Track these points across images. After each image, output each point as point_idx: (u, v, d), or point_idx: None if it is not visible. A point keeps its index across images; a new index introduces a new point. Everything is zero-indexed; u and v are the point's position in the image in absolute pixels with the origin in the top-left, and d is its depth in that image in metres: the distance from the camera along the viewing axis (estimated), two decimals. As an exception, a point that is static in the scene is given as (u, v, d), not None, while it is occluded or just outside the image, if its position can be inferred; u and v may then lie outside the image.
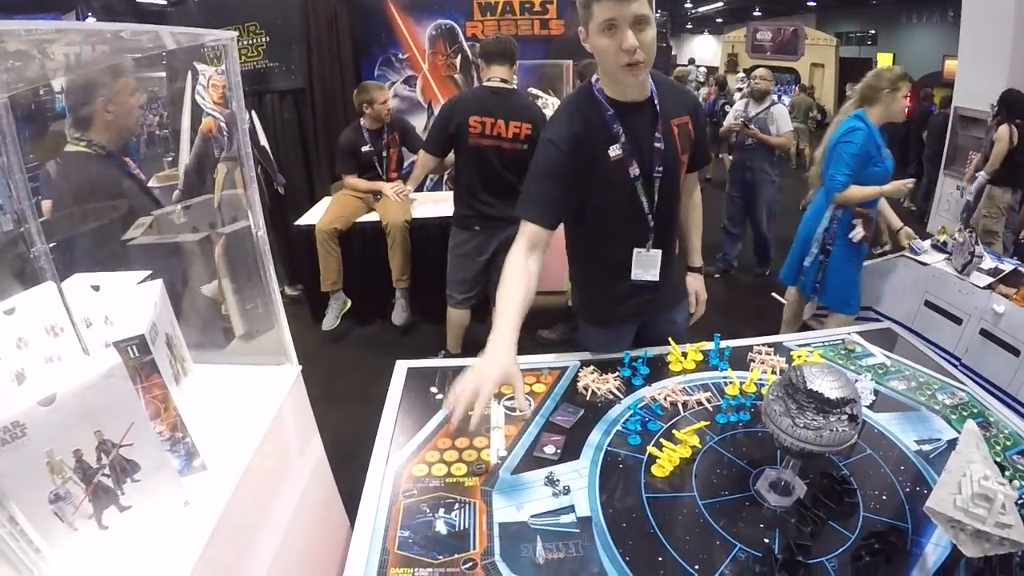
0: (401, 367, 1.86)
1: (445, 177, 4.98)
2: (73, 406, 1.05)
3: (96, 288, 1.49)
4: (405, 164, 4.42)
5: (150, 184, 2.71)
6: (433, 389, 1.75)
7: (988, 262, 3.38)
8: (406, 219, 3.91)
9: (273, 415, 1.59)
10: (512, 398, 1.46)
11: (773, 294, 4.57)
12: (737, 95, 5.25)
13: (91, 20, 16.60)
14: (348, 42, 5.82)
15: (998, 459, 1.59)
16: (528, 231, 1.62)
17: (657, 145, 1.67)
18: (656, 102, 1.66)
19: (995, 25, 6.14)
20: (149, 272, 1.52)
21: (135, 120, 2.30)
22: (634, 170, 1.66)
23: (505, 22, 5.70)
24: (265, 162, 4.42)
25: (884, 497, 1.39)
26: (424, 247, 3.96)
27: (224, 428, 1.47)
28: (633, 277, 1.80)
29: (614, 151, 1.63)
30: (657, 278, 1.81)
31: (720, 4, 24.76)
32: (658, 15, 10.34)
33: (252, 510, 1.43)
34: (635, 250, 1.78)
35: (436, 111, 4.37)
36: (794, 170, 9.39)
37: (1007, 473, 1.53)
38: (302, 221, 4.12)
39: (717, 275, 5.40)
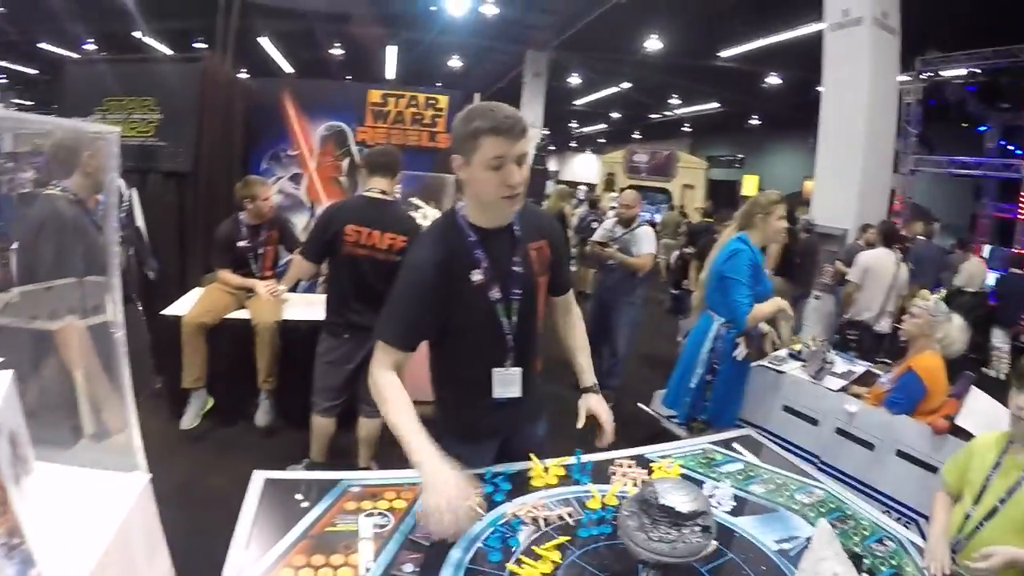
0: (258, 478, 1.73)
1: (320, 280, 4.89)
2: None
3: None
4: (281, 262, 4.31)
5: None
6: (299, 496, 1.66)
7: (840, 366, 3.67)
8: (276, 319, 3.79)
9: (118, 526, 1.45)
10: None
11: (640, 404, 4.64)
12: (610, 213, 5.41)
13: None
14: (240, 131, 5.79)
15: (857, 549, 1.66)
16: (389, 353, 1.68)
17: (516, 269, 1.73)
18: (516, 228, 1.75)
19: (847, 150, 6.97)
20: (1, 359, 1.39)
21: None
22: (494, 293, 1.70)
23: (395, 131, 5.87)
24: (139, 244, 4.19)
25: None
26: (293, 349, 3.81)
27: (65, 536, 1.33)
28: (494, 395, 1.80)
29: (476, 276, 1.68)
30: (519, 394, 1.82)
31: (603, 126, 26.86)
32: (542, 135, 10.93)
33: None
34: (495, 370, 1.79)
35: (318, 213, 4.33)
36: (662, 283, 9.92)
37: (867, 561, 1.61)
38: (169, 311, 3.90)
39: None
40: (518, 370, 1.81)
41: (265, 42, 14.02)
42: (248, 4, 9.86)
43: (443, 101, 5.91)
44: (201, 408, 3.84)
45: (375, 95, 5.89)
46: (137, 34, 12.98)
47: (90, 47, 14.55)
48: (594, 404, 1.90)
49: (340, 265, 3.09)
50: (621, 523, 1.29)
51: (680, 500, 1.23)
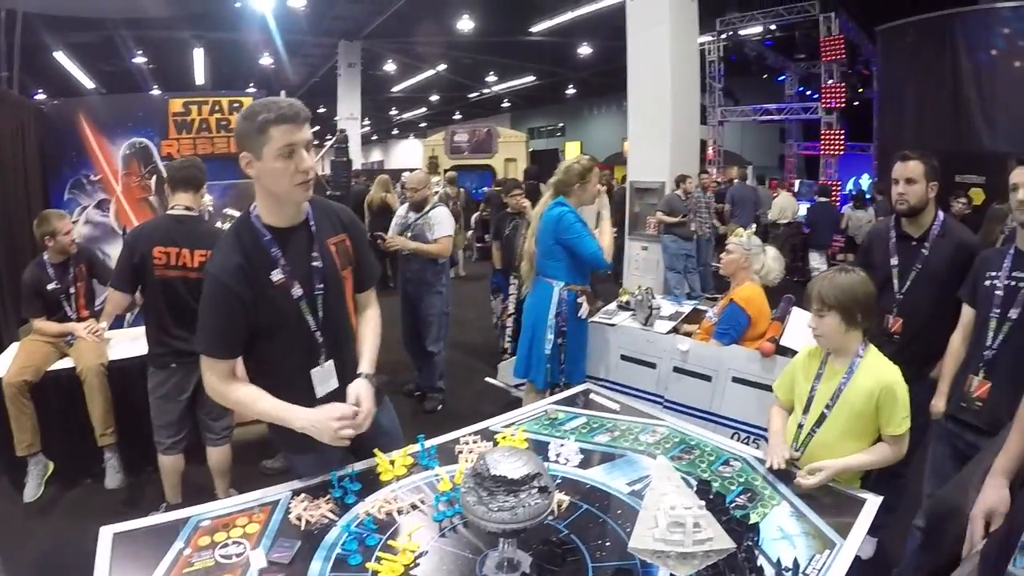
0: (106, 534, 1.61)
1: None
2: None
3: None
4: (98, 299, 3.93)
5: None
6: (151, 543, 1.57)
7: (668, 308, 3.92)
8: (102, 362, 3.47)
9: None
10: None
11: (488, 379, 4.68)
12: (434, 198, 5.14)
13: None
14: (36, 161, 5.20)
15: (705, 475, 1.78)
16: (217, 364, 1.69)
17: (315, 264, 1.74)
18: (311, 224, 1.76)
19: (655, 110, 7.40)
20: None
21: None
22: (296, 291, 1.71)
23: (201, 140, 5.49)
24: None
25: (608, 544, 1.49)
26: (127, 391, 3.50)
27: None
28: (317, 394, 1.79)
29: (276, 275, 1.68)
30: (338, 385, 1.81)
31: (424, 110, 26.88)
32: (341, 131, 10.80)
33: None
34: (312, 371, 1.78)
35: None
36: (475, 262, 9.94)
37: (716, 484, 1.72)
38: (-15, 375, 3.44)
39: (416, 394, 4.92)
40: (331, 363, 1.81)
41: (61, 57, 12.60)
42: (33, 18, 8.83)
43: (247, 103, 5.59)
44: (42, 475, 3.45)
45: (176, 104, 5.47)
46: None
47: None
48: (355, 388, 1.77)
49: (154, 291, 2.91)
50: (462, 500, 1.31)
51: (511, 467, 1.25)
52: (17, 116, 5.01)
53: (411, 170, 5.82)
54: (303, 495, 1.71)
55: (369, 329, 1.98)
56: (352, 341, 1.91)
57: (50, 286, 3.62)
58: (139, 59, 14.15)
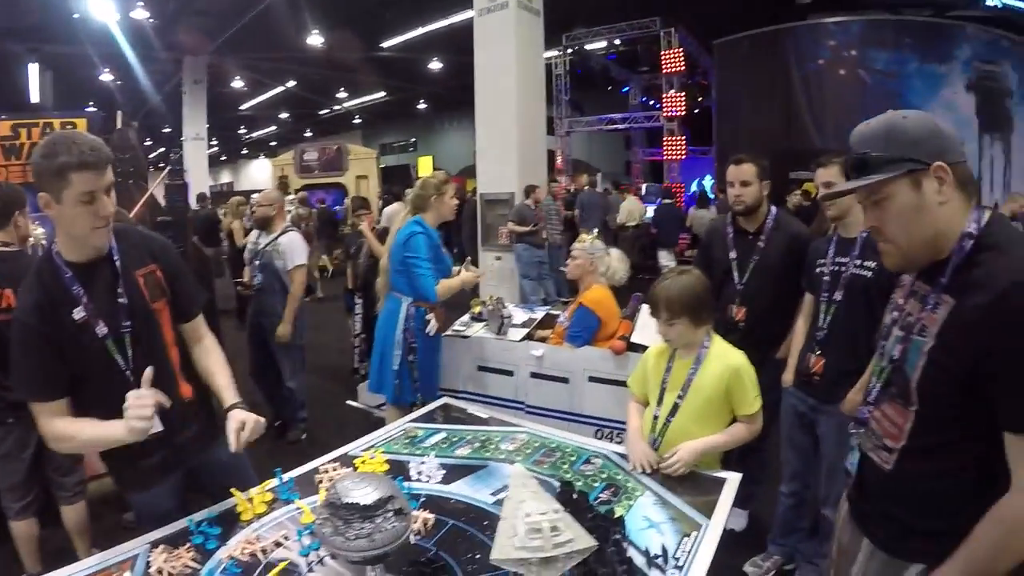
0: None
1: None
2: None
3: None
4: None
5: None
6: None
7: (520, 316, 4.03)
8: None
9: None
10: None
11: (349, 402, 4.60)
12: (288, 218, 4.85)
13: None
14: None
15: (568, 475, 1.84)
16: (44, 408, 1.63)
17: (121, 301, 1.69)
18: (115, 258, 1.70)
19: (503, 123, 7.61)
20: None
21: None
22: (100, 329, 1.65)
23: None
24: None
25: (479, 557, 1.51)
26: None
27: None
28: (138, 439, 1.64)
29: (78, 313, 1.63)
30: (161, 428, 1.69)
31: (274, 128, 25.97)
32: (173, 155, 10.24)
33: None
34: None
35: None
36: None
37: (579, 483, 1.79)
38: None
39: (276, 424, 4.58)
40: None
41: None
42: None
43: (81, 125, 5.15)
44: None
45: (4, 127, 4.95)
46: None
47: None
48: (240, 417, 1.72)
49: None
50: (318, 532, 1.29)
51: (362, 494, 1.25)
52: None
53: (261, 191, 5.55)
54: (162, 546, 1.61)
55: (213, 360, 1.90)
56: (174, 377, 1.82)
57: None
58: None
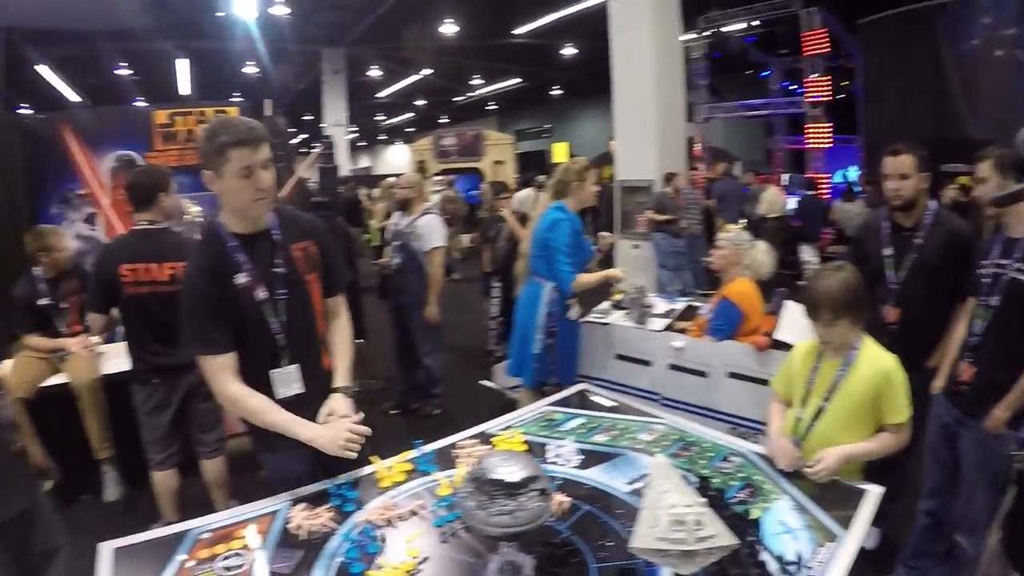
0: (106, 550, 1.61)
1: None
2: None
3: None
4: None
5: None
6: (151, 557, 1.56)
7: (661, 306, 3.92)
8: (95, 376, 3.47)
9: None
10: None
11: (482, 382, 4.63)
12: (433, 198, 5.01)
13: None
14: (22, 178, 5.17)
15: (705, 472, 1.77)
16: (216, 364, 1.76)
17: (278, 270, 1.83)
18: (275, 232, 1.85)
19: (641, 109, 7.43)
20: None
21: None
22: (260, 294, 1.80)
23: (188, 152, 5.48)
24: None
25: (611, 544, 1.48)
26: (124, 404, 3.44)
27: None
28: (278, 396, 1.84)
29: (240, 279, 1.78)
30: (301, 390, 1.87)
31: (410, 115, 26.78)
32: (326, 140, 10.72)
33: None
34: (272, 372, 1.85)
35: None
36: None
37: (716, 480, 1.72)
38: (-23, 394, 3.41)
39: (393, 412, 4.69)
40: (295, 367, 1.87)
41: (45, 71, 12.51)
42: (15, 31, 8.77)
43: (233, 113, 5.60)
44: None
45: (162, 116, 5.49)
46: None
47: None
48: (336, 403, 1.86)
49: (127, 309, 2.86)
50: (460, 505, 1.31)
51: (509, 471, 1.26)
52: (2, 131, 4.97)
53: (399, 175, 5.75)
54: (303, 504, 1.70)
55: (340, 340, 2.04)
56: (318, 345, 1.97)
57: (41, 301, 3.60)
58: (123, 71, 14.05)
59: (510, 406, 3.43)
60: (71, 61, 12.75)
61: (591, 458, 1.88)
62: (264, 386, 1.83)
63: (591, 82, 16.65)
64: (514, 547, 1.38)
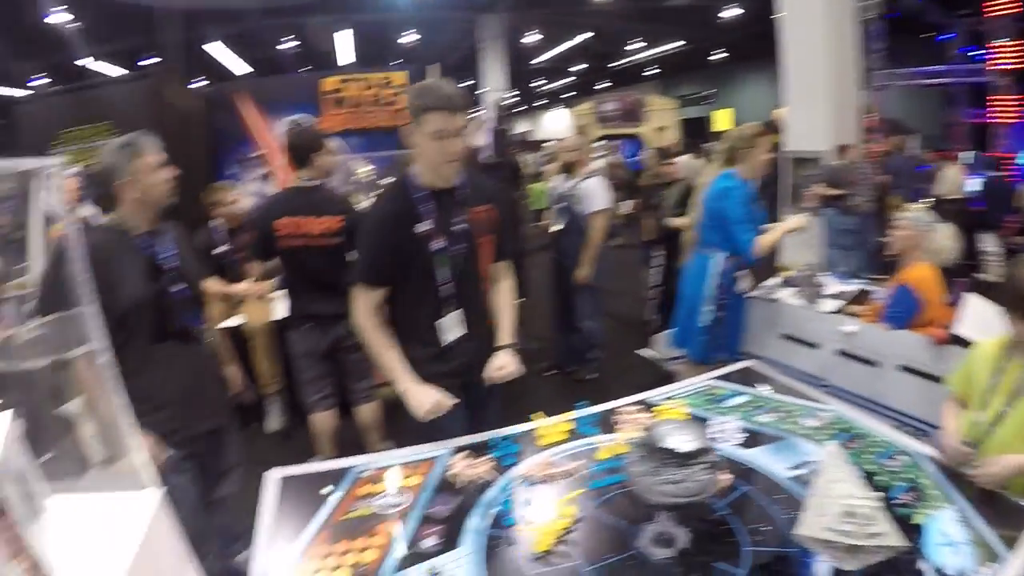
0: (274, 476, 1.77)
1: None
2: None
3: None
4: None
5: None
6: (314, 488, 1.70)
7: (833, 287, 3.65)
8: (268, 320, 3.77)
9: (139, 543, 1.45)
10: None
11: (640, 351, 4.51)
12: (598, 163, 4.89)
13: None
14: (202, 140, 5.69)
15: (870, 467, 1.65)
16: (365, 296, 1.95)
17: (458, 227, 1.94)
18: (461, 191, 1.96)
19: (811, 74, 6.90)
20: (-2, 402, 1.37)
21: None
22: (437, 244, 1.92)
23: (358, 115, 5.78)
24: None
25: (767, 528, 1.43)
26: (292, 346, 3.79)
27: (88, 562, 1.33)
28: (444, 342, 1.98)
29: (421, 227, 1.90)
30: (464, 331, 1.99)
31: (569, 80, 26.42)
32: (503, 98, 10.73)
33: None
34: (437, 323, 1.97)
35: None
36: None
37: (879, 478, 1.60)
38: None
39: (549, 372, 4.73)
40: (459, 311, 1.99)
41: (216, 47, 13.70)
42: (191, 13, 9.66)
43: (399, 79, 5.86)
44: None
45: (330, 83, 5.84)
46: (84, 61, 12.65)
47: (40, 82, 14.13)
48: (505, 358, 1.99)
49: (284, 259, 3.05)
50: (629, 469, 1.32)
51: (681, 440, 1.25)
52: (183, 101, 5.50)
53: (557, 140, 5.76)
54: (464, 453, 1.77)
55: (504, 300, 2.14)
56: (483, 303, 2.08)
57: (218, 250, 3.95)
58: (286, 44, 14.95)
59: (668, 377, 3.35)
60: (239, 37, 13.72)
61: (754, 438, 1.81)
62: (426, 332, 1.97)
63: (755, 45, 15.61)
64: (671, 518, 1.37)
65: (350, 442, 3.24)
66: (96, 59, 12.78)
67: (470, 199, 1.98)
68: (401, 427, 3.46)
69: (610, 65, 22.77)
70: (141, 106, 5.17)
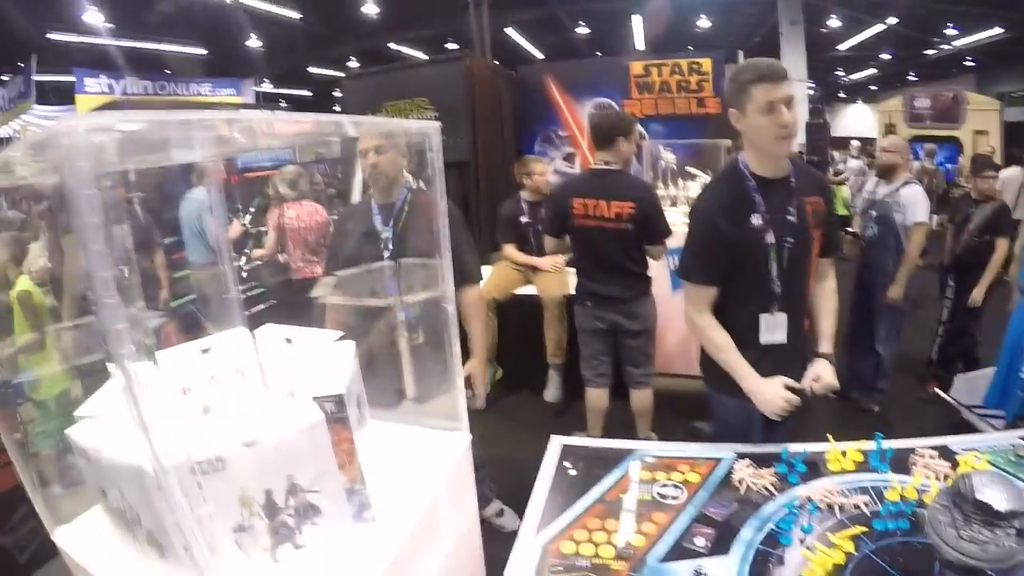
0: (556, 443, 1.92)
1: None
2: (273, 450, 1.17)
3: (288, 341, 1.64)
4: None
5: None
6: (620, 473, 1.78)
7: None
8: (563, 293, 3.97)
9: (443, 479, 1.66)
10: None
11: (937, 390, 3.94)
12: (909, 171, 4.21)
13: (267, 86, 19.04)
14: (511, 118, 6.19)
15: None
16: (699, 294, 1.94)
17: (790, 219, 1.89)
18: (792, 180, 1.91)
19: None
20: (341, 333, 1.64)
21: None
22: (769, 238, 1.87)
23: (662, 100, 5.84)
24: None
25: None
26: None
27: (393, 485, 1.52)
28: (762, 340, 1.93)
29: (755, 220, 1.86)
30: (783, 339, 1.93)
31: (872, 71, 23.30)
32: (812, 89, 9.86)
33: (410, 568, 1.46)
34: (762, 315, 1.93)
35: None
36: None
37: None
38: (460, 288, 4.34)
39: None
40: (784, 315, 1.93)
41: (511, 32, 14.59)
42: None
43: (706, 64, 5.80)
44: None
45: (637, 67, 5.94)
46: (391, 46, 14.44)
47: (352, 64, 16.43)
48: (819, 369, 1.96)
49: (575, 237, 3.21)
50: (931, 517, 1.23)
51: (998, 497, 1.13)
52: (493, 81, 5.94)
53: (864, 139, 5.25)
54: (748, 460, 1.77)
55: (827, 303, 2.09)
56: (805, 299, 2.02)
57: (522, 219, 4.28)
58: (580, 29, 15.38)
59: (961, 427, 3.05)
60: (534, 23, 14.46)
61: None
62: (749, 329, 1.94)
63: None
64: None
65: (621, 424, 3.38)
66: (401, 44, 14.61)
67: (801, 189, 1.92)
68: (674, 424, 3.52)
69: (922, 54, 19.67)
70: (454, 84, 5.62)
